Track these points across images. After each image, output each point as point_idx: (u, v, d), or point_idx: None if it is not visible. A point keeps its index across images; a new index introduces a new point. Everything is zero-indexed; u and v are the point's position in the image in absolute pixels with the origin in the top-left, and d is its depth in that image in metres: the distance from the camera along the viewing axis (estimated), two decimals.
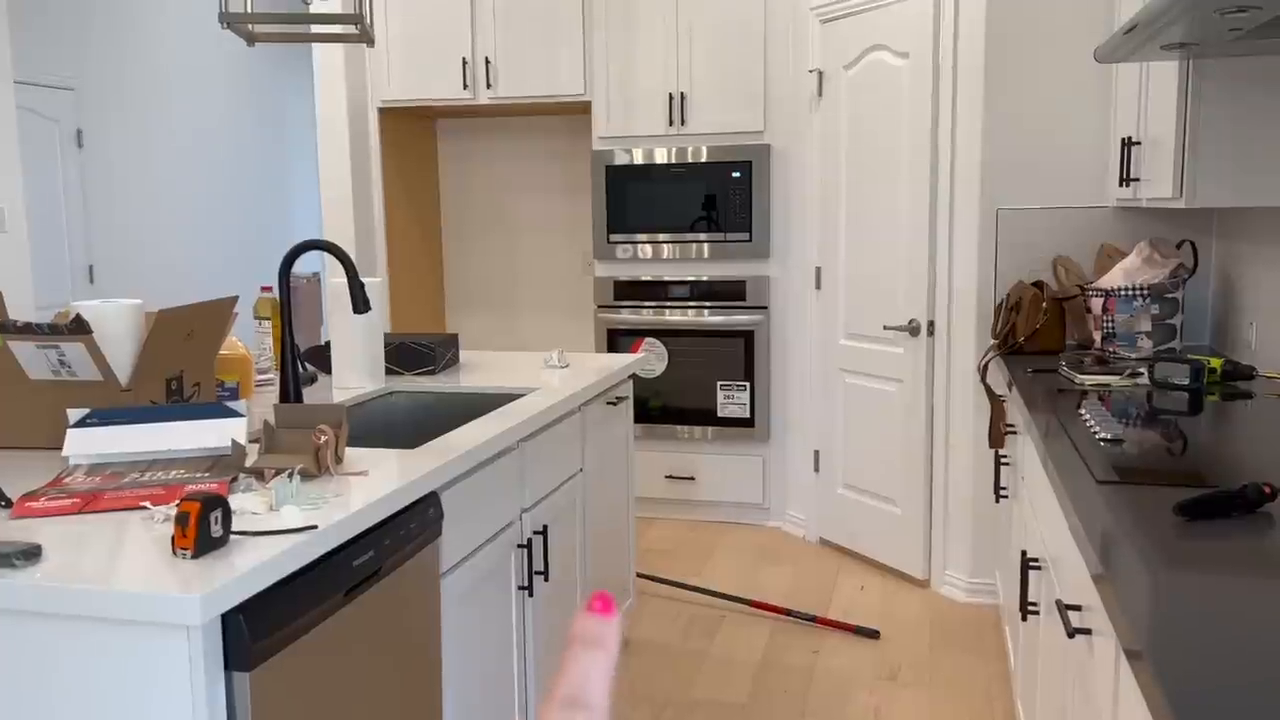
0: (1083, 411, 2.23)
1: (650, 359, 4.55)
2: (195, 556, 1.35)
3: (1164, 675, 0.96)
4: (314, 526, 1.46)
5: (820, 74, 4.10)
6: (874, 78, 3.83)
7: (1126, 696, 1.18)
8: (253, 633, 1.33)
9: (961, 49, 3.49)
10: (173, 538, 1.35)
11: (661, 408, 4.55)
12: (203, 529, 1.35)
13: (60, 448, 1.97)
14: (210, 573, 1.30)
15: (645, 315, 4.53)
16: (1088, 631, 1.44)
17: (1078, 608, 1.52)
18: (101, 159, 6.30)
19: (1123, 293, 3.06)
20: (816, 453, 4.28)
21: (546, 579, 2.43)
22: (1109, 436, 1.98)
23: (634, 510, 3.28)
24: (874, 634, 3.35)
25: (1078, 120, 3.39)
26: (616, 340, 4.58)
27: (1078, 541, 1.51)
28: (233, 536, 1.43)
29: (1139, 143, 2.86)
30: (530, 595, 2.33)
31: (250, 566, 1.32)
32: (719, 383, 4.47)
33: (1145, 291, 3.03)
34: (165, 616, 1.25)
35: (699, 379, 4.49)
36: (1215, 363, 2.59)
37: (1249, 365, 2.59)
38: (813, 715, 2.85)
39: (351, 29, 2.94)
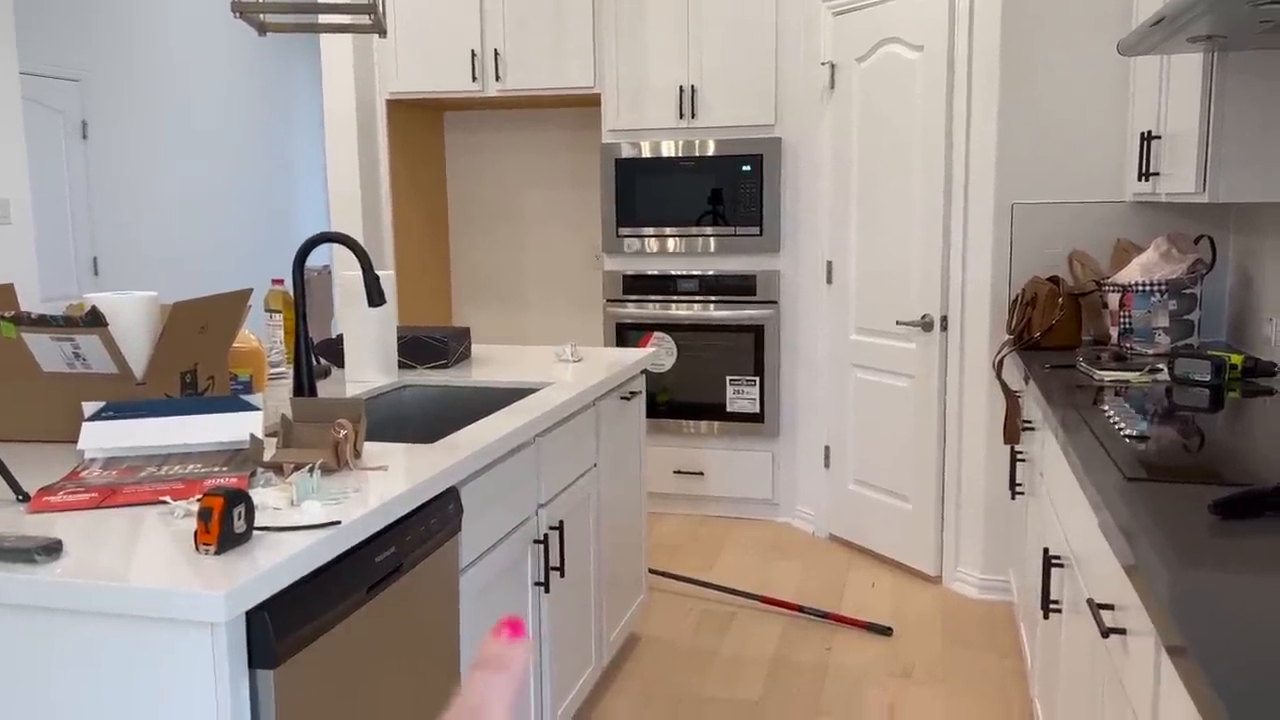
0: (1105, 408, 2.21)
1: (659, 353, 4.53)
2: (219, 552, 1.33)
3: (1213, 673, 0.94)
4: (337, 522, 1.44)
5: (832, 67, 4.07)
6: (887, 71, 3.80)
7: (1169, 696, 1.16)
8: (277, 630, 1.31)
9: (976, 42, 3.47)
10: (195, 533, 1.33)
11: (669, 402, 4.53)
12: (226, 525, 1.33)
13: (74, 441, 1.95)
14: (234, 569, 1.28)
15: (654, 309, 4.51)
16: (1122, 631, 1.42)
17: (1110, 606, 1.50)
18: (106, 151, 6.27)
19: (1140, 288, 3.04)
20: (827, 448, 4.26)
21: (563, 575, 2.41)
22: (1134, 433, 1.96)
23: (646, 505, 3.26)
24: (887, 631, 3.33)
25: (1094, 114, 3.36)
26: (625, 334, 4.55)
27: (1110, 540, 1.49)
28: (255, 532, 1.41)
29: (1158, 137, 2.83)
30: (546, 591, 2.31)
31: (274, 563, 1.30)
32: (728, 377, 4.45)
33: (1163, 287, 3.01)
34: (189, 614, 1.23)
35: (708, 374, 4.47)
36: (1236, 359, 2.57)
37: (1270, 361, 2.56)
38: (827, 713, 2.83)
39: (364, 19, 2.91)
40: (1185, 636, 1.03)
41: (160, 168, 6.72)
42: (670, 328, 4.50)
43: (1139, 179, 2.93)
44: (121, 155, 6.39)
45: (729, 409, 4.46)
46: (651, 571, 3.81)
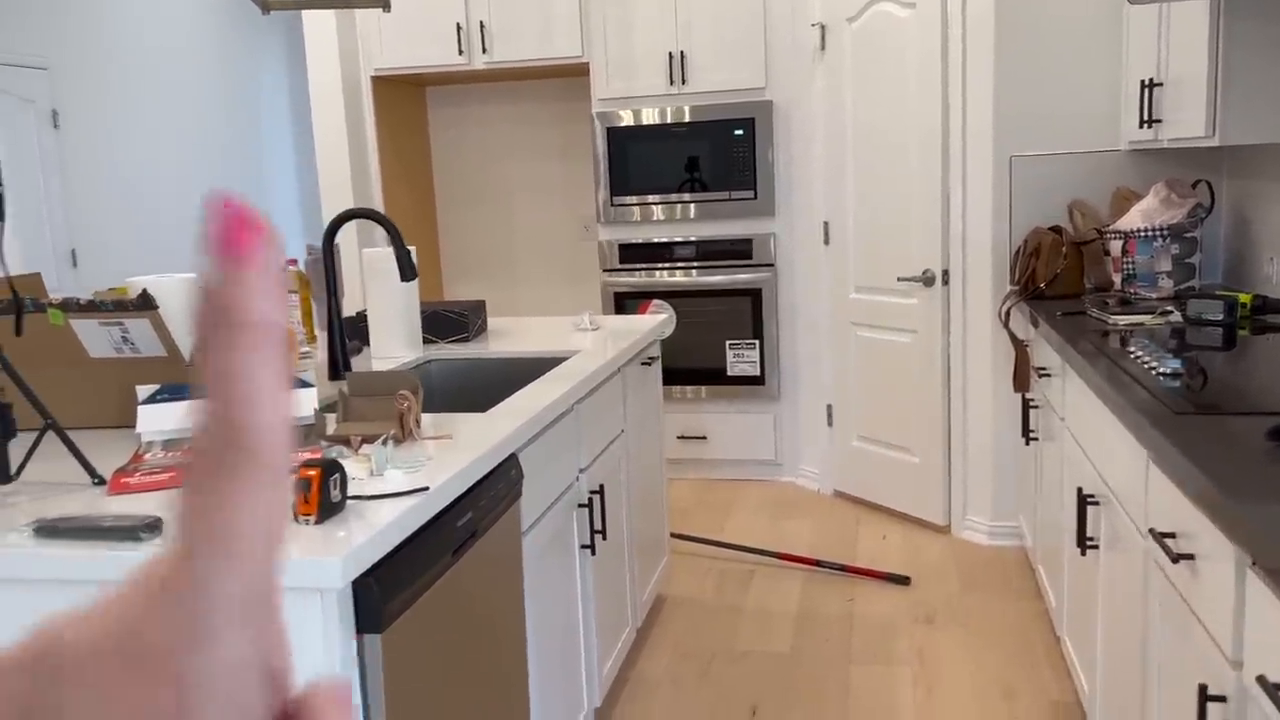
0: (1131, 349, 2.27)
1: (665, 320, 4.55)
2: (319, 522, 1.34)
3: None
4: (426, 488, 1.46)
5: (823, 28, 4.09)
6: (879, 30, 3.83)
7: (1257, 615, 1.22)
8: (383, 595, 1.33)
9: None
10: (294, 504, 1.34)
11: (669, 369, 4.56)
12: (324, 495, 1.35)
13: (125, 425, 1.95)
14: (338, 537, 1.30)
15: (651, 277, 4.53)
16: (1190, 556, 1.47)
17: (1172, 535, 1.56)
18: (78, 140, 6.16)
19: (1142, 234, 3.10)
20: (829, 406, 4.31)
21: (605, 537, 2.45)
22: (1167, 371, 2.02)
23: (664, 469, 3.30)
24: (905, 580, 3.41)
25: (1088, 64, 3.41)
26: (623, 303, 4.57)
27: (1170, 472, 1.55)
28: (348, 502, 1.42)
29: (1160, 84, 2.89)
30: (593, 554, 2.35)
31: (377, 529, 1.32)
32: (728, 342, 4.49)
33: (1165, 232, 3.08)
34: (303, 582, 1.25)
35: (708, 339, 4.51)
36: (1245, 298, 2.64)
37: (1278, 299, 2.64)
38: (859, 660, 2.90)
39: None
40: None
41: (134, 155, 6.61)
42: (668, 294, 4.52)
43: (1140, 126, 2.99)
44: (94, 144, 6.28)
45: (730, 373, 4.50)
46: (672, 535, 3.85)
